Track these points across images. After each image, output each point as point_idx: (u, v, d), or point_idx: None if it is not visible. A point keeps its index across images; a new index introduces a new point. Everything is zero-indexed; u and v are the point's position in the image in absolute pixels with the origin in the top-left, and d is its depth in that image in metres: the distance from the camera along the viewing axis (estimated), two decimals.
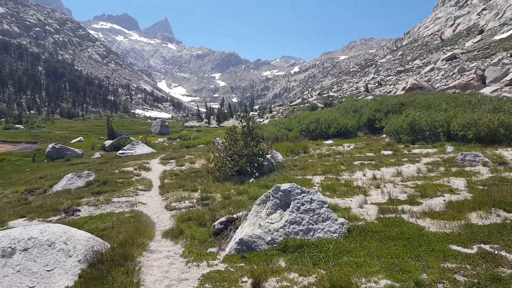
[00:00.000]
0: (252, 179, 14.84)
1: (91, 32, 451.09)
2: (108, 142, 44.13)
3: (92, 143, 49.44)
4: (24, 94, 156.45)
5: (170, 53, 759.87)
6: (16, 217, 12.06)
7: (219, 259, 7.26)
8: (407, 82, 61.46)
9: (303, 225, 7.68)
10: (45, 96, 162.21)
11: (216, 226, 8.78)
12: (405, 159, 16.97)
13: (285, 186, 8.32)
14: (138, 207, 12.35)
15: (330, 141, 29.99)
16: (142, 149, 33.80)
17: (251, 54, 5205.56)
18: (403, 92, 56.59)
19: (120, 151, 33.46)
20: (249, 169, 15.36)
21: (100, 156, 36.40)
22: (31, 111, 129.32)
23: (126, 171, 19.66)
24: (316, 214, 7.83)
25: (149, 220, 10.65)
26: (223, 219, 8.94)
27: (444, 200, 9.65)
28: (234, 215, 9.01)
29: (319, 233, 7.55)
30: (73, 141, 52.75)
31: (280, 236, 7.48)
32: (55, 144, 37.90)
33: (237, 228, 8.43)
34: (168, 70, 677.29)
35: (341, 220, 7.83)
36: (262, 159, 15.83)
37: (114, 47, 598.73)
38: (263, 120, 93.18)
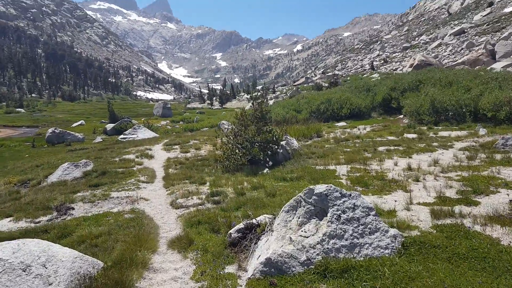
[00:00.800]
0: (267, 169, 13.27)
1: (89, 12, 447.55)
2: (109, 126, 42.79)
3: (93, 126, 48.14)
4: (25, 78, 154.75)
5: (170, 32, 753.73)
6: (2, 216, 10.50)
7: (240, 286, 5.65)
8: (414, 59, 59.48)
9: (346, 240, 5.99)
10: (46, 79, 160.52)
11: (232, 235, 7.16)
12: (435, 143, 15.28)
13: (320, 188, 6.57)
14: (140, 204, 10.81)
15: (343, 123, 28.38)
16: (144, 133, 32.35)
17: (252, 32, 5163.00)
18: (410, 69, 54.66)
19: (122, 136, 31.96)
20: (262, 158, 13.74)
21: (101, 140, 35.13)
22: (33, 95, 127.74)
23: (127, 159, 18.14)
24: (362, 225, 6.15)
25: (152, 223, 9.06)
26: (240, 225, 7.31)
27: (508, 198, 7.96)
28: (254, 220, 7.35)
29: (366, 249, 5.90)
30: (74, 124, 51.61)
31: (317, 254, 5.80)
32: (55, 129, 36.45)
33: (258, 239, 6.80)
34: (169, 51, 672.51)
35: (392, 231, 6.14)
36: (276, 147, 14.18)
37: (113, 27, 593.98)
38: (267, 101, 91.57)
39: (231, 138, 14.80)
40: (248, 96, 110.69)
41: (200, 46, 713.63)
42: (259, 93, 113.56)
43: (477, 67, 45.98)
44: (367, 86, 37.90)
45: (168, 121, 54.80)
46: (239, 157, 13.79)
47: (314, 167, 12.61)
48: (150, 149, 21.69)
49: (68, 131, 36.89)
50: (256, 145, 13.72)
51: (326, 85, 61.99)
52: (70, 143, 33.52)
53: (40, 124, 55.67)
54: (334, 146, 17.32)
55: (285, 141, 14.66)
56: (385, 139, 18.45)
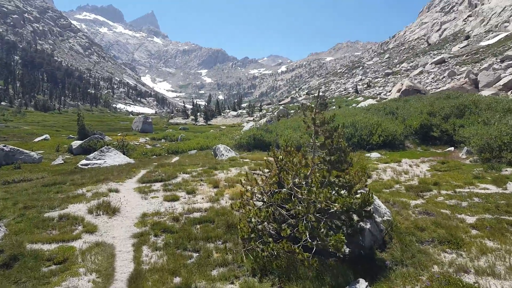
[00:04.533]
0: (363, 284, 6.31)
1: (74, 22, 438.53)
2: (76, 143, 34.56)
3: (58, 142, 39.81)
4: None
5: (156, 47, 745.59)
6: None
7: None
8: (402, 84, 59.74)
9: None
10: (20, 87, 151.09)
11: None
12: None
13: None
14: None
15: (376, 154, 21.61)
16: (114, 158, 24.54)
17: (238, 51, 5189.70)
18: (398, 94, 55.03)
19: (84, 161, 23.95)
20: (334, 245, 6.65)
21: (62, 162, 27.39)
22: (2, 103, 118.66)
23: (73, 216, 10.60)
24: None
25: None
26: None
27: None
28: None
29: None
30: (37, 139, 43.12)
31: None
32: (4, 146, 28.54)
33: None
34: (153, 65, 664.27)
35: None
36: (358, 218, 7.20)
37: (98, 39, 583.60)
38: (253, 119, 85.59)
39: (266, 193, 7.81)
40: (235, 113, 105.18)
41: (186, 62, 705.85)
42: (245, 110, 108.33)
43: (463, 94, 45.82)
44: (390, 108, 31.91)
45: (148, 138, 47.09)
46: (284, 242, 6.76)
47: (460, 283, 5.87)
48: (117, 190, 14.19)
49: (21, 150, 28.80)
50: (325, 218, 6.78)
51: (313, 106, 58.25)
52: (20, 165, 25.83)
53: None
54: (423, 203, 10.58)
55: (371, 206, 7.66)
56: (482, 190, 11.95)
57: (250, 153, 26.22)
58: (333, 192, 7.11)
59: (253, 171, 11.68)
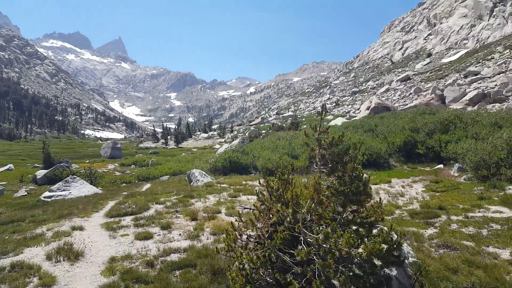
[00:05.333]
0: None
1: (40, 50, 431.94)
2: (40, 173, 32.39)
3: (22, 172, 37.19)
4: None
5: (124, 72, 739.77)
6: None
7: None
8: (371, 102, 59.47)
9: None
10: None
11: None
12: None
13: None
14: None
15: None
16: (80, 188, 22.26)
17: (207, 74, 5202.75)
18: (367, 111, 54.84)
19: (47, 193, 21.52)
20: None
21: (25, 194, 25.54)
22: None
23: (26, 265, 8.76)
24: None
25: None
26: None
27: None
28: None
29: None
30: (0, 169, 40.73)
31: None
32: None
33: None
34: (122, 90, 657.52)
35: None
36: (384, 266, 5.63)
37: (65, 65, 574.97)
38: (224, 141, 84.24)
39: (263, 235, 6.21)
40: (206, 135, 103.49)
41: (155, 86, 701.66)
42: (216, 132, 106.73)
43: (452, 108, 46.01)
44: (368, 126, 31.04)
45: (117, 164, 44.82)
46: None
47: None
48: (81, 228, 12.29)
49: None
50: (349, 270, 5.27)
51: (285, 126, 58.93)
52: None
53: None
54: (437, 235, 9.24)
55: (401, 250, 5.99)
56: (496, 214, 10.76)
57: (227, 177, 24.38)
58: (348, 231, 5.61)
59: (243, 206, 10.04)
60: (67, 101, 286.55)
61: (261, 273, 6.04)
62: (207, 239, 10.55)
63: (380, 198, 6.37)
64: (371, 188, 6.19)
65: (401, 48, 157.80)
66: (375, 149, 23.16)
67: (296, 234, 5.82)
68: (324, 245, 5.18)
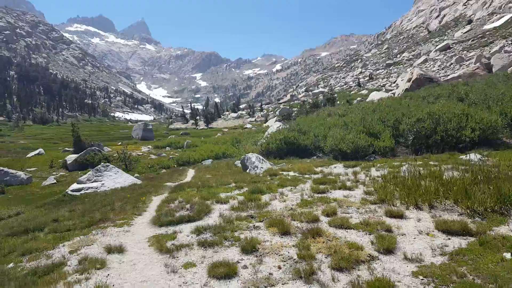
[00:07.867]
0: None
1: (66, 35, 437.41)
2: (70, 158, 30.08)
3: (52, 157, 34.53)
4: None
5: (149, 54, 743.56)
6: None
7: None
8: (412, 73, 55.09)
9: None
10: (17, 101, 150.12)
11: None
12: None
13: None
14: None
15: (476, 156, 13.44)
16: (114, 178, 19.57)
17: (232, 53, 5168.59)
18: (409, 84, 51.47)
19: (75, 186, 18.67)
20: None
21: (54, 182, 24.16)
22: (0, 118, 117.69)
23: None
24: None
25: None
26: None
27: None
28: None
29: None
30: (30, 154, 38.80)
31: None
32: None
33: None
34: (148, 72, 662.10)
35: None
36: None
37: (90, 49, 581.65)
38: (255, 120, 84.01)
39: None
40: (235, 115, 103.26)
41: (180, 67, 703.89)
42: (245, 111, 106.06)
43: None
44: (457, 94, 25.25)
45: (150, 146, 43.86)
46: None
47: None
48: (121, 249, 7.90)
49: (6, 170, 24.92)
50: None
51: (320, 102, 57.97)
52: (4, 188, 22.07)
53: None
54: None
55: None
56: None
57: (286, 162, 20.37)
58: None
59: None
60: (96, 84, 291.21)
61: None
62: (332, 280, 5.57)
63: None
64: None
65: (438, 16, 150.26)
66: (487, 122, 17.32)
67: None
68: None
